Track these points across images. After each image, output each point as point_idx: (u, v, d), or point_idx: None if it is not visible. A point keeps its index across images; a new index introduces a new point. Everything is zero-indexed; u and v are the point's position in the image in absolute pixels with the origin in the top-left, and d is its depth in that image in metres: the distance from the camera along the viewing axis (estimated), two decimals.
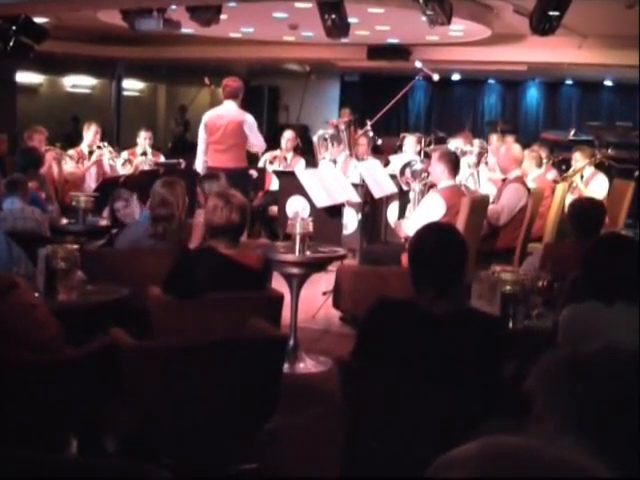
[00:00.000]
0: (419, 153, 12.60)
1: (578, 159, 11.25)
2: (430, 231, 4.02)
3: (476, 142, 10.91)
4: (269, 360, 4.59)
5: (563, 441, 1.63)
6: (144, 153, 12.00)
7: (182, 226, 6.74)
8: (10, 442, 3.72)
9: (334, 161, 11.94)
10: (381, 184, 10.18)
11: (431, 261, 3.80)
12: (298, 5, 10.49)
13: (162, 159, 12.14)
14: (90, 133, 11.48)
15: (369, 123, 13.22)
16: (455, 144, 10.66)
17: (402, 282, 3.90)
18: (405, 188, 9.89)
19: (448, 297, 3.75)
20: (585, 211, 6.40)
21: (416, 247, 3.93)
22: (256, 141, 10.18)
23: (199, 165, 10.21)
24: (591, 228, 6.12)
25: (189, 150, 12.81)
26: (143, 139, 12.10)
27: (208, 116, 10.24)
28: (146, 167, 11.52)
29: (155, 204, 6.67)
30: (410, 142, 12.85)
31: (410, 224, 7.68)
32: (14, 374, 3.84)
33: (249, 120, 10.11)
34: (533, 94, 21.54)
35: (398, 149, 13.39)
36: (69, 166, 11.00)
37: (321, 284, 8.91)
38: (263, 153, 11.59)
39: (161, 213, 6.61)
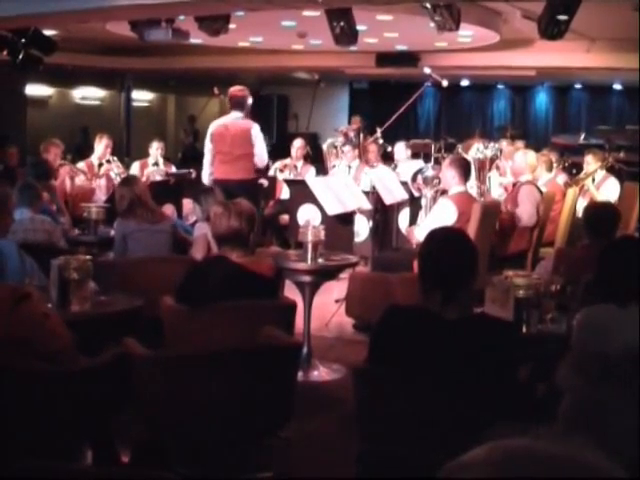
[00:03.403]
0: (412, 157, 12.64)
1: (590, 162, 11.22)
2: (437, 235, 4.03)
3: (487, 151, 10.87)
4: (283, 368, 4.59)
5: (576, 440, 1.62)
6: (156, 163, 12.01)
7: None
8: (24, 452, 3.72)
9: (349, 167, 11.97)
10: (392, 191, 10.18)
11: (437, 264, 3.81)
12: (306, 13, 10.48)
13: (173, 169, 12.14)
14: (101, 146, 11.48)
15: (379, 130, 13.23)
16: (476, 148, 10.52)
17: (414, 289, 3.90)
18: (416, 194, 9.88)
19: (456, 301, 3.74)
20: (600, 215, 6.39)
21: (423, 250, 3.94)
22: (259, 152, 9.91)
23: (205, 177, 10.06)
24: (605, 232, 6.10)
25: (199, 160, 12.80)
26: (155, 149, 12.10)
27: (214, 126, 10.10)
28: (157, 177, 11.54)
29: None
30: (400, 149, 12.87)
31: (422, 230, 7.66)
32: (28, 384, 3.85)
33: (255, 130, 9.93)
34: (542, 99, 21.52)
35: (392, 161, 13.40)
36: (79, 179, 11.04)
37: (333, 292, 8.90)
38: (262, 169, 10.73)
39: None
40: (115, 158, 11.70)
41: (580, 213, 9.76)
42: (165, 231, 7.32)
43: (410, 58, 15.08)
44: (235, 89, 10.15)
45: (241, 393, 4.40)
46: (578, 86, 20.70)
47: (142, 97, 21.53)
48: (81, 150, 15.38)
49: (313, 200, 9.12)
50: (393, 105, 13.33)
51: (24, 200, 7.24)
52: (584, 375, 1.75)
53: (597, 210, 6.59)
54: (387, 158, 13.93)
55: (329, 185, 9.33)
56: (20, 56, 11.02)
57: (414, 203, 10.06)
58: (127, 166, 12.42)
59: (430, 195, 8.71)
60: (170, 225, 7.45)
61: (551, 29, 8.68)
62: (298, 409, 4.69)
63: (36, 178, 8.80)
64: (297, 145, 12.72)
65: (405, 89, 14.64)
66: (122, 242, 7.23)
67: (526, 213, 8.81)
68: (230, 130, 9.88)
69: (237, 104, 9.99)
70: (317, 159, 13.89)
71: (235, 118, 9.98)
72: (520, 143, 13.49)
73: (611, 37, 13.01)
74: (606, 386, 1.70)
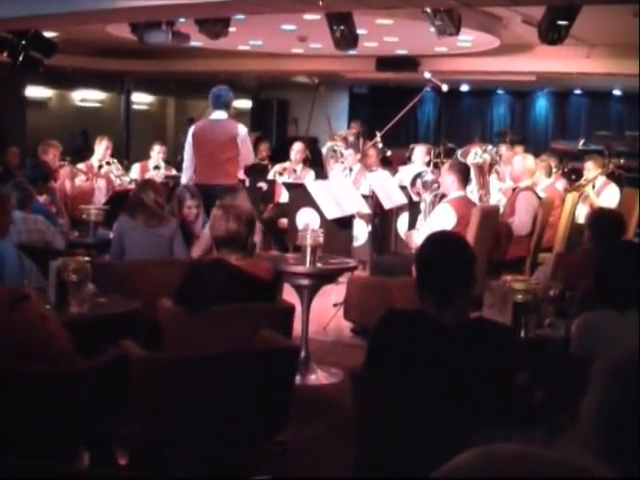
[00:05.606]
0: (428, 163, 12.62)
1: (590, 168, 11.22)
2: (434, 239, 4.00)
3: (485, 155, 10.87)
4: (281, 372, 4.58)
5: (565, 444, 1.62)
6: (157, 167, 12.02)
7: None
8: (21, 453, 3.71)
9: (350, 169, 11.96)
10: (391, 195, 10.18)
11: (433, 269, 3.78)
12: (307, 17, 10.49)
13: (174, 172, 12.14)
14: (101, 148, 11.51)
15: (378, 135, 13.23)
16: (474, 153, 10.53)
17: (412, 293, 3.88)
18: (416, 199, 9.88)
19: (453, 306, 3.71)
20: (606, 222, 6.34)
21: (420, 255, 3.91)
22: (245, 155, 9.44)
23: (186, 177, 9.54)
24: (609, 239, 6.06)
25: None
26: (157, 153, 12.13)
27: (197, 127, 9.63)
28: (157, 180, 11.53)
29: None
30: (419, 152, 12.85)
31: (420, 235, 7.66)
32: (26, 386, 3.84)
33: (242, 132, 9.46)
34: (542, 104, 21.54)
35: (408, 160, 13.39)
36: (78, 179, 11.05)
37: (332, 296, 8.89)
38: (249, 166, 10.14)
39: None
40: (115, 160, 11.72)
41: (579, 219, 9.78)
42: (163, 236, 7.26)
43: (410, 62, 15.08)
44: (222, 86, 9.70)
45: (239, 396, 4.39)
46: (578, 92, 20.72)
47: (142, 100, 21.51)
48: (80, 152, 15.37)
49: (312, 204, 9.09)
50: (393, 110, 13.30)
51: (15, 202, 7.17)
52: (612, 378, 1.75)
53: (603, 217, 6.52)
54: (386, 163, 13.94)
55: (328, 189, 9.31)
56: (20, 58, 11.02)
57: (413, 208, 10.06)
58: (127, 168, 12.43)
59: (429, 199, 8.72)
60: (171, 231, 7.37)
61: (551, 34, 8.70)
62: (295, 413, 4.68)
63: (34, 180, 8.78)
64: (296, 149, 12.70)
65: (405, 94, 14.60)
66: (119, 240, 7.23)
67: (520, 222, 8.82)
68: (215, 133, 9.43)
69: (223, 103, 9.55)
70: (316, 163, 13.89)
71: (220, 119, 9.55)
72: (519, 148, 13.49)
73: (611, 43, 13.03)
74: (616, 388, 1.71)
